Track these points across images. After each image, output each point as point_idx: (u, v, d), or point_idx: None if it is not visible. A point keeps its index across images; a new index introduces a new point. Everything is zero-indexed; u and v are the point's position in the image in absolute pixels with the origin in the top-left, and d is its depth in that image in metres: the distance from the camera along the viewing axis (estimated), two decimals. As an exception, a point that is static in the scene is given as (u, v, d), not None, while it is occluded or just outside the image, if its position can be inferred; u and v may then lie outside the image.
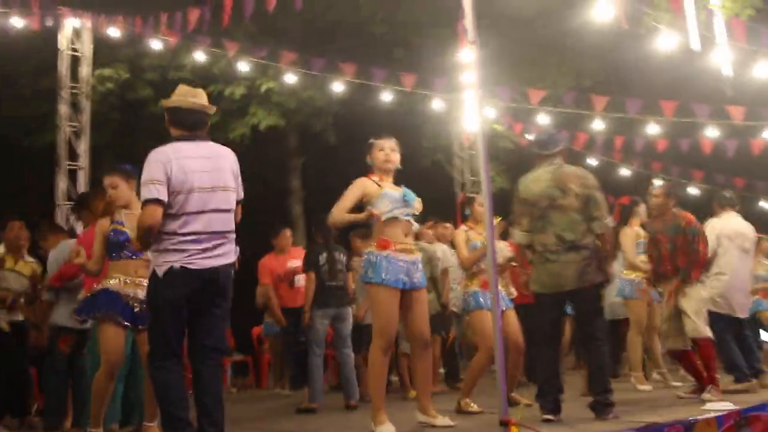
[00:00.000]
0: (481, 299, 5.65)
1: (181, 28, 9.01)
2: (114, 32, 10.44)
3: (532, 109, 10.62)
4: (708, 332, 5.72)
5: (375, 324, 4.71)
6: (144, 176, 3.74)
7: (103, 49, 11.32)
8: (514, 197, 5.02)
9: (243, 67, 10.39)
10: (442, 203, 12.22)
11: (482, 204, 5.88)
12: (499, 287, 5.91)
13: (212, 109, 4.08)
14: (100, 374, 4.42)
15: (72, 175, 10.60)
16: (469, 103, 10.35)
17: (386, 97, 10.27)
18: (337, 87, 10.27)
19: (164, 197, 3.70)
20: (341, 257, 6.71)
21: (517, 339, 5.76)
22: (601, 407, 4.70)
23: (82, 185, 10.63)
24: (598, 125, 10.65)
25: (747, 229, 6.58)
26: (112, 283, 4.48)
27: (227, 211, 3.88)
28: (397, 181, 4.97)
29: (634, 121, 10.53)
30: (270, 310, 8.06)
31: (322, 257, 6.54)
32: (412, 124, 13.68)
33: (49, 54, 11.10)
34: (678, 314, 5.75)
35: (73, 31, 10.71)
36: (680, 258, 5.81)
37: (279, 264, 7.65)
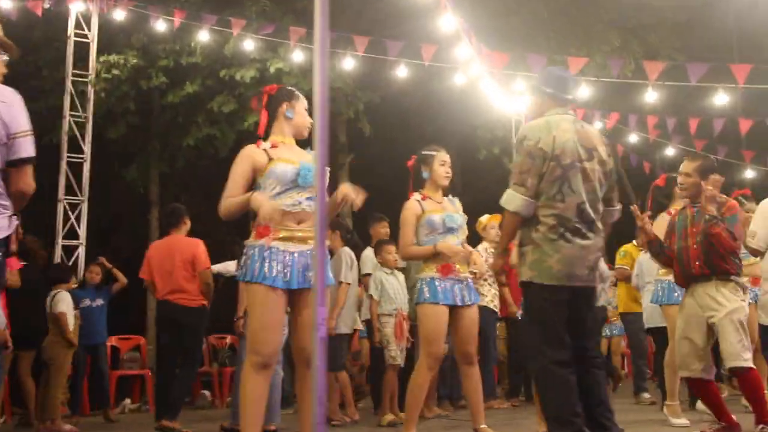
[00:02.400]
0: (438, 289, 4.38)
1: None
2: (119, 15, 9.80)
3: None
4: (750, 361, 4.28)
5: (248, 336, 3.55)
6: None
7: (117, 36, 10.73)
8: (518, 146, 3.64)
9: (248, 45, 9.43)
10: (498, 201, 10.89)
11: (446, 162, 4.62)
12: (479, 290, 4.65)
13: None
14: None
15: (76, 168, 10.04)
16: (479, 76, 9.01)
17: (401, 72, 9.00)
18: (348, 63, 9.11)
19: None
20: None
21: (468, 348, 4.44)
22: None
23: (86, 179, 10.04)
24: (651, 97, 8.92)
25: None
26: None
27: None
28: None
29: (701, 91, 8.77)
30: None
31: None
32: (463, 111, 12.42)
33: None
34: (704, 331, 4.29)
35: (78, 15, 10.18)
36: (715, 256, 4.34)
37: None
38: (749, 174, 12.31)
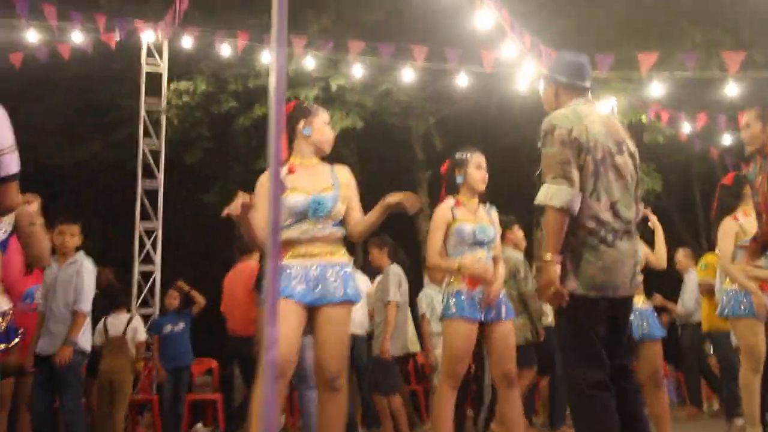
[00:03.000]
0: (465, 303, 4.05)
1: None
2: (187, 42, 10.00)
3: (634, 76, 8.46)
4: None
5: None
6: None
7: (187, 64, 10.96)
8: (547, 137, 3.12)
9: (309, 63, 9.39)
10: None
11: (482, 166, 4.29)
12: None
13: None
14: None
15: (151, 195, 10.27)
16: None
17: (462, 80, 8.69)
18: (408, 75, 8.90)
19: None
20: None
21: (507, 368, 4.09)
22: None
23: (161, 205, 10.25)
24: (731, 90, 8.18)
25: None
26: None
27: None
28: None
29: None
30: None
31: None
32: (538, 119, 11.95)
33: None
34: None
35: (150, 45, 10.47)
36: None
37: None
38: None
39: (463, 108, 11.69)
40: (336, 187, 3.52)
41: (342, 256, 3.50)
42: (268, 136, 2.40)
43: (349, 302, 3.43)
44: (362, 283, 6.54)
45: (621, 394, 3.10)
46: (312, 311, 3.37)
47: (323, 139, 3.61)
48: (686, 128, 10.74)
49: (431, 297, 5.81)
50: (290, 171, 3.50)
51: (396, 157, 13.76)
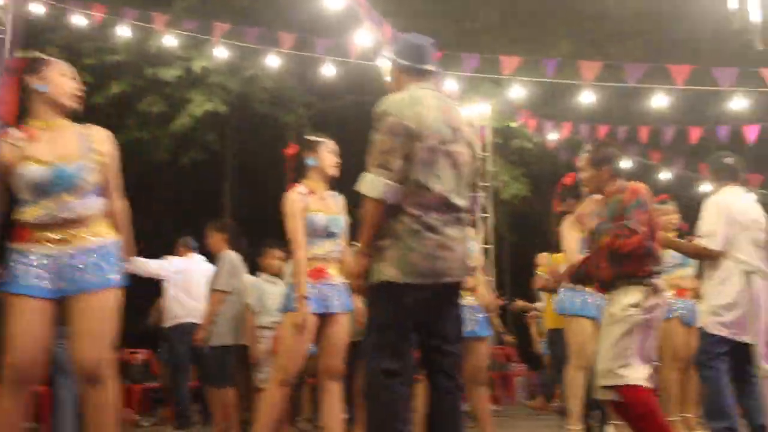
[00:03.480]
0: (310, 297, 3.85)
1: None
2: (37, 9, 9.23)
3: (502, 81, 8.58)
4: (638, 377, 3.33)
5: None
6: None
7: (37, 33, 10.16)
8: (378, 123, 3.01)
9: (170, 41, 8.90)
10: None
11: (335, 151, 4.12)
12: None
13: None
14: None
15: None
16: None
17: (329, 70, 8.48)
18: (273, 61, 8.60)
19: None
20: None
21: (334, 361, 3.93)
22: None
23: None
24: (587, 98, 8.44)
25: (760, 214, 4.41)
26: None
27: None
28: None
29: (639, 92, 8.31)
30: None
31: None
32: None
33: None
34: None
35: (-6, 9, 9.63)
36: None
37: None
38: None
39: (344, 103, 11.53)
40: (87, 153, 2.96)
41: (101, 234, 2.95)
42: None
43: (112, 287, 2.91)
44: (206, 268, 6.20)
45: (441, 387, 3.03)
46: (62, 302, 2.87)
47: (61, 92, 3.00)
48: (552, 136, 11.01)
49: (262, 288, 5.53)
50: (28, 135, 2.92)
51: (271, 149, 13.43)
